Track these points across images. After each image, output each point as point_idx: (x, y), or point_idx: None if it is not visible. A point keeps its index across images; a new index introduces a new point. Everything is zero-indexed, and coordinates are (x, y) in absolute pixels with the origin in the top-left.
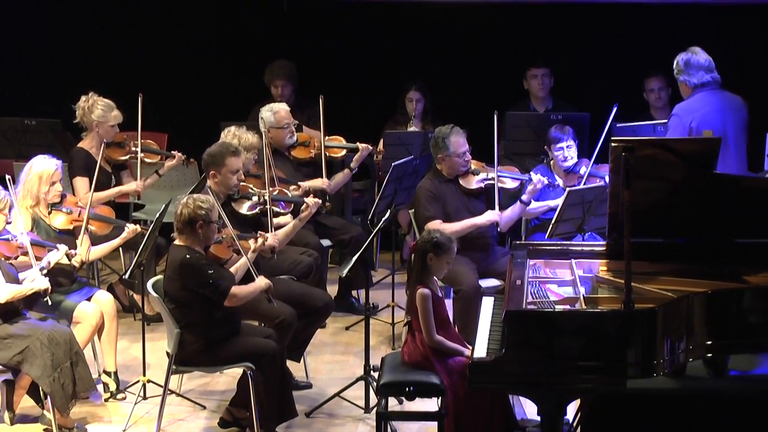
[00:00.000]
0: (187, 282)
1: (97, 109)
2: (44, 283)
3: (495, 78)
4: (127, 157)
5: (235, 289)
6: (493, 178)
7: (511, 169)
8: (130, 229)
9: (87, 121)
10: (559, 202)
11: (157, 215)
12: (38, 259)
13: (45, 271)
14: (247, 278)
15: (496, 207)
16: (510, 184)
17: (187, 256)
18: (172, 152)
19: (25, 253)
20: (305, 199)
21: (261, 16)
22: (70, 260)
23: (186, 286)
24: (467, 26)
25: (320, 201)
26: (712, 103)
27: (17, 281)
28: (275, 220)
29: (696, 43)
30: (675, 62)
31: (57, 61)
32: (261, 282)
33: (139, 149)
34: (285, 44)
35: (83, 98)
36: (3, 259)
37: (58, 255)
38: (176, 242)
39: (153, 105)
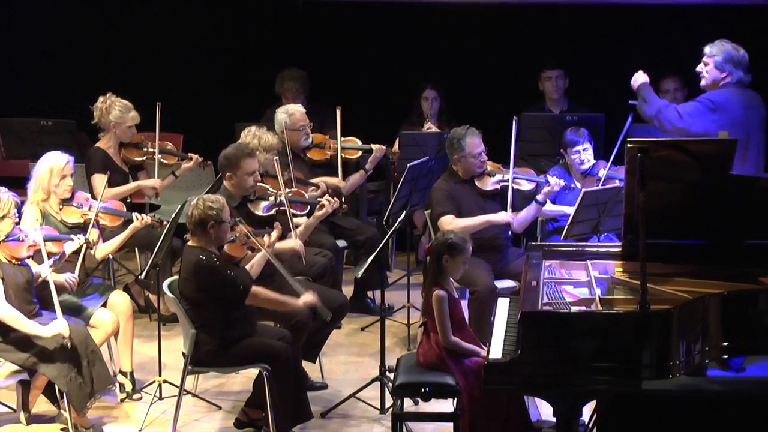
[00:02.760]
0: (205, 284)
1: (114, 110)
2: (60, 328)
3: (510, 79)
4: (144, 158)
5: (257, 289)
6: (508, 180)
7: (527, 171)
8: (140, 218)
9: (104, 121)
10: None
11: (173, 216)
12: (53, 254)
13: (60, 264)
14: (264, 275)
15: (509, 209)
16: (526, 186)
17: (202, 257)
18: (189, 154)
19: (39, 251)
20: (321, 200)
21: (275, 17)
22: (90, 249)
23: (203, 288)
24: (482, 27)
25: (337, 202)
26: (738, 101)
27: (29, 285)
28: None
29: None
30: (712, 46)
31: (73, 63)
32: (299, 301)
33: (156, 150)
34: (299, 45)
35: (101, 99)
36: (13, 261)
37: (74, 245)
38: (189, 243)
39: (169, 106)
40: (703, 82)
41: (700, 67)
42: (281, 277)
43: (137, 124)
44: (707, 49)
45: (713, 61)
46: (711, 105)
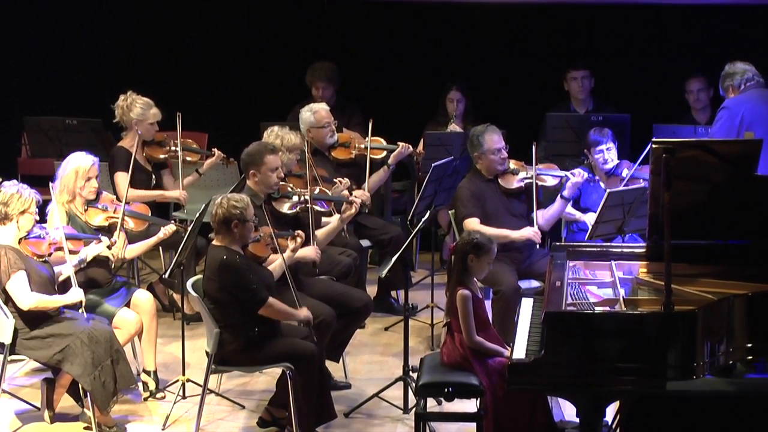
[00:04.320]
0: (226, 284)
1: (135, 107)
2: (78, 296)
3: (535, 80)
4: (167, 155)
5: (272, 301)
6: (532, 177)
7: (551, 167)
8: (167, 229)
9: (126, 120)
10: (590, 219)
11: (197, 215)
12: (74, 252)
13: (83, 265)
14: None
15: (534, 210)
16: (550, 181)
17: (226, 257)
18: (212, 150)
19: (60, 248)
20: (350, 198)
21: (302, 16)
22: (110, 249)
23: (224, 288)
24: (508, 28)
25: (361, 200)
26: (760, 97)
27: (52, 281)
28: (324, 219)
29: (737, 44)
30: (720, 81)
31: (99, 61)
32: (301, 313)
33: (179, 148)
34: (325, 44)
35: (122, 97)
36: (35, 258)
37: (98, 248)
38: (214, 242)
39: (194, 105)
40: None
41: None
42: (285, 285)
43: (160, 122)
44: (721, 90)
45: (722, 89)
46: (725, 110)
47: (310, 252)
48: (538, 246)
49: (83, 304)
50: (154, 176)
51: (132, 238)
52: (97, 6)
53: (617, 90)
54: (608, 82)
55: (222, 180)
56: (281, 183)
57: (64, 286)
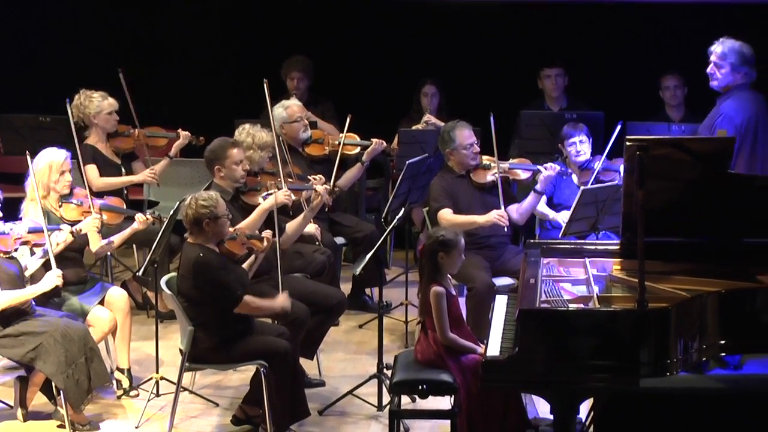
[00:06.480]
0: (200, 283)
1: (91, 102)
2: (54, 281)
3: (510, 77)
4: (133, 145)
5: (248, 298)
6: (503, 170)
7: (523, 161)
8: (141, 219)
9: (85, 117)
10: (563, 217)
11: (171, 213)
12: (39, 245)
13: (48, 256)
14: (261, 271)
15: (501, 202)
16: (522, 175)
17: (201, 255)
18: (179, 132)
19: (25, 243)
20: (315, 187)
21: (276, 13)
22: (74, 237)
23: (198, 286)
24: (482, 26)
25: (329, 188)
26: (756, 102)
27: (20, 277)
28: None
29: (710, 43)
30: (723, 47)
31: (72, 58)
32: (277, 303)
33: (138, 131)
34: (300, 41)
35: (75, 97)
36: (1, 255)
37: (61, 236)
38: (189, 240)
39: (166, 101)
40: (715, 84)
41: (711, 69)
42: (261, 280)
43: (117, 110)
44: (717, 50)
45: (728, 64)
46: (725, 118)
47: (309, 228)
48: (506, 229)
49: (61, 286)
50: (123, 169)
51: (107, 231)
52: (71, 2)
53: (591, 88)
54: (582, 80)
55: (195, 177)
56: (249, 177)
57: (32, 281)
